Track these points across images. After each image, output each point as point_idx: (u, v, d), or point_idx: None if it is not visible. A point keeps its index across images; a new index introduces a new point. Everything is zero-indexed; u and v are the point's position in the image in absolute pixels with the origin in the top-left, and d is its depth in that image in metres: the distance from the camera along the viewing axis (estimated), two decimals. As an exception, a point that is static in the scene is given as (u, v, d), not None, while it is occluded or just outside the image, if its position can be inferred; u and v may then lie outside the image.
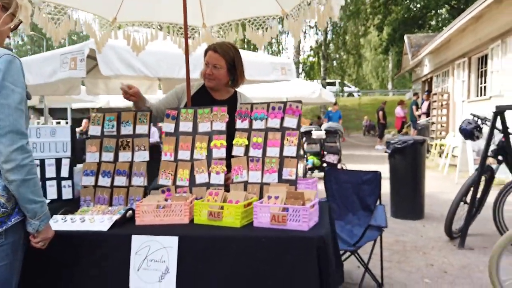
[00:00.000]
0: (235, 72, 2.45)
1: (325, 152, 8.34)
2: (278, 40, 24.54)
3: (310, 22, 24.54)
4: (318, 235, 1.66)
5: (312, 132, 8.09)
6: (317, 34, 24.50)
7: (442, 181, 7.67)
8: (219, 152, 2.13)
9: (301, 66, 25.63)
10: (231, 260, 1.68)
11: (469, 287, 3.06)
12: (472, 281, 3.15)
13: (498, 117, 3.88)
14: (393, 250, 3.87)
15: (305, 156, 8.44)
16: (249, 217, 1.84)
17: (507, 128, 3.93)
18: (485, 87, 9.23)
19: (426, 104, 12.61)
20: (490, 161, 4.19)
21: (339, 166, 8.15)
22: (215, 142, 2.13)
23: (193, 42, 3.32)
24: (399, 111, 15.41)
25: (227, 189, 2.05)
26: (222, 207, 1.82)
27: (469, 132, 4.30)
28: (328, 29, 23.68)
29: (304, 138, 8.38)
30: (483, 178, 4.12)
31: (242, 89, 2.64)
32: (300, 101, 2.12)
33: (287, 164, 2.04)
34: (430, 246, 3.98)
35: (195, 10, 3.21)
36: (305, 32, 24.43)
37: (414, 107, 13.88)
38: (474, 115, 4.39)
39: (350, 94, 32.10)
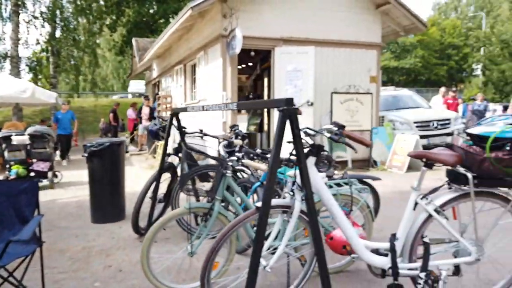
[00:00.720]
0: None
1: (33, 160, 7.38)
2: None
3: (34, 12, 21.15)
4: None
5: (12, 137, 6.99)
6: (43, 26, 21.81)
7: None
8: None
9: (24, 60, 22.18)
10: None
11: (137, 281, 3.19)
12: (142, 275, 3.31)
13: (175, 119, 4.30)
14: (75, 258, 3.69)
15: (8, 166, 7.23)
16: None
17: (182, 128, 4.41)
18: (196, 92, 10.41)
19: (147, 109, 13.15)
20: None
21: (49, 174, 7.39)
22: None
23: None
24: (130, 113, 15.57)
25: None
26: None
27: (155, 133, 4.62)
28: (56, 22, 21.49)
29: (4, 145, 7.16)
30: (169, 175, 4.50)
31: None
32: None
33: None
34: (117, 247, 4.02)
35: None
36: (28, 22, 21.35)
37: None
38: (159, 117, 4.74)
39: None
